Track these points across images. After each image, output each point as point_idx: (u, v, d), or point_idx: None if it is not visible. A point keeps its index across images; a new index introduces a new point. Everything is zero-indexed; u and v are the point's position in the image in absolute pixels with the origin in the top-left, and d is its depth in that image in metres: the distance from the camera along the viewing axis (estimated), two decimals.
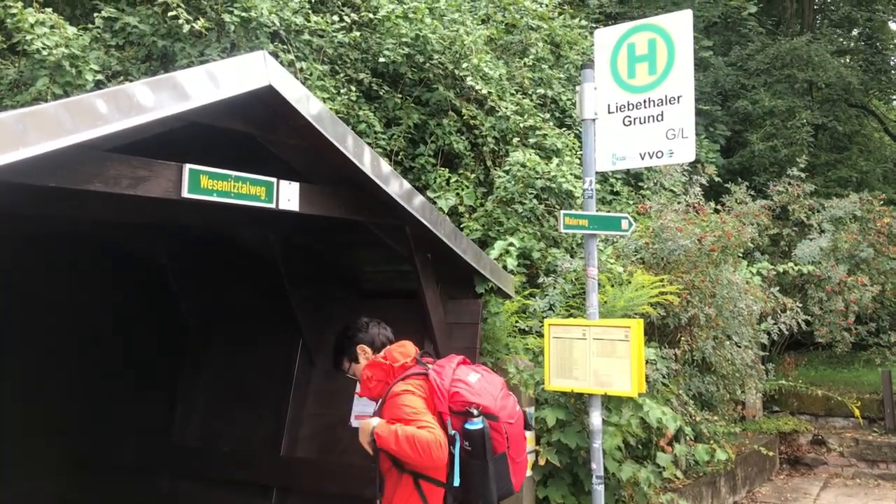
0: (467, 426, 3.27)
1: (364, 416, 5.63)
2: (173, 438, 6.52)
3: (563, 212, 5.09)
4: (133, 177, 3.28)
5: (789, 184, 10.99)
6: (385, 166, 4.36)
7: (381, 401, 3.43)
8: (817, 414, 10.84)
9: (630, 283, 6.30)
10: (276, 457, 5.83)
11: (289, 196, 3.95)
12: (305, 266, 5.95)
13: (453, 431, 3.30)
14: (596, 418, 5.04)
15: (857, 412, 9.80)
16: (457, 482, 3.27)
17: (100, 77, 6.09)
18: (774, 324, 8.59)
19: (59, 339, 6.70)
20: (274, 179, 3.84)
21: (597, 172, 5.25)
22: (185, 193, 3.46)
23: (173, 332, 6.74)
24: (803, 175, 10.87)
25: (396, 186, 4.42)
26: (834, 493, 9.26)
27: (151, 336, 6.81)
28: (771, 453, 9.55)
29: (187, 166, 3.44)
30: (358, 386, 5.69)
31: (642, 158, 5.13)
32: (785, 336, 9.56)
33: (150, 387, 6.74)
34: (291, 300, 5.91)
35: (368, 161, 4.19)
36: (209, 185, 3.56)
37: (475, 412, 3.28)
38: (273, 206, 3.84)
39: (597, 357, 5.05)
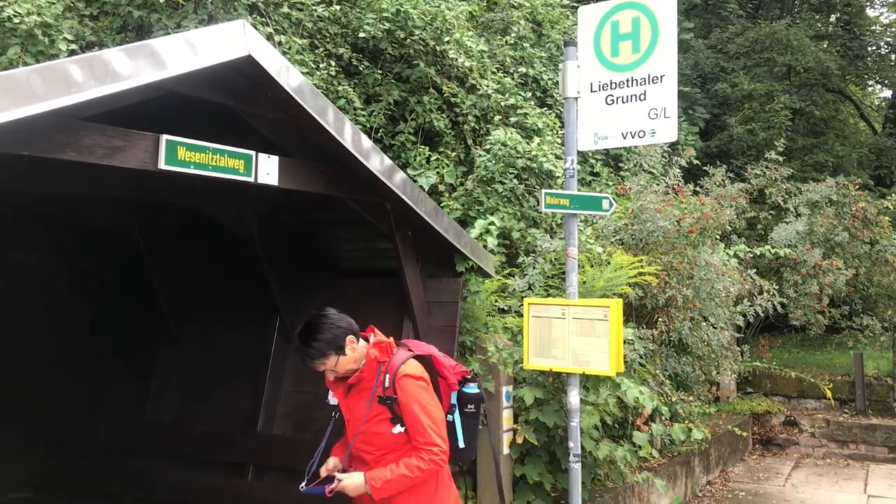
0: (466, 390, 3.64)
1: None
2: (147, 418, 6.44)
3: (544, 191, 5.06)
4: (108, 146, 3.20)
5: (767, 167, 11.05)
6: (366, 141, 4.30)
7: (382, 381, 3.47)
8: (790, 395, 11.00)
9: (609, 263, 6.31)
10: (253, 435, 5.78)
11: (268, 170, 3.88)
12: (283, 244, 5.88)
13: (454, 402, 3.62)
14: (574, 397, 5.05)
15: (829, 394, 9.95)
16: (462, 444, 3.60)
17: (73, 47, 5.93)
18: (750, 306, 8.67)
19: (30, 318, 6.56)
20: (253, 152, 3.76)
21: (578, 152, 5.22)
22: (162, 165, 3.38)
23: (148, 311, 6.64)
24: (781, 159, 10.94)
25: (377, 162, 4.36)
26: (805, 473, 9.40)
27: (126, 315, 6.70)
28: (744, 434, 9.67)
29: (164, 137, 3.36)
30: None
31: (624, 138, 5.11)
32: (759, 318, 9.66)
33: (123, 366, 6.64)
34: (269, 279, 5.84)
35: (349, 136, 4.13)
36: (186, 156, 3.48)
37: (470, 377, 3.68)
38: (251, 179, 3.77)
39: (576, 336, 5.05)
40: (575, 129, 5.17)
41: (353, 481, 3.37)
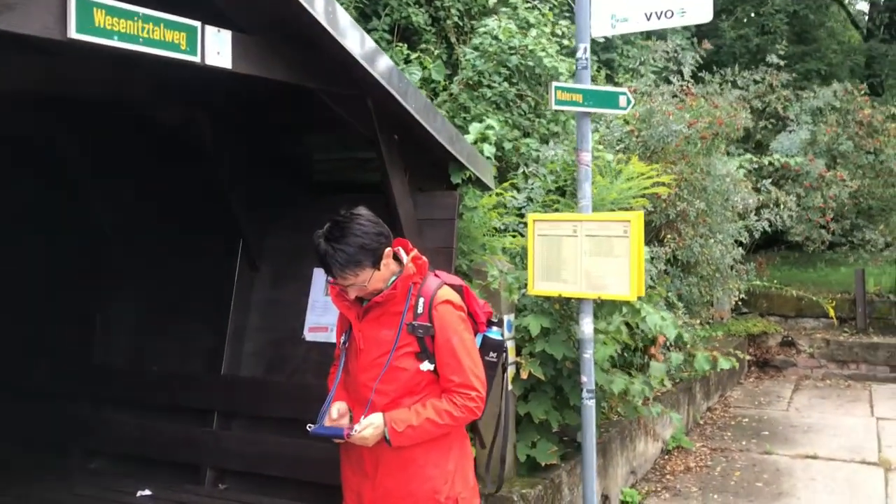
0: (491, 335, 3.03)
1: (321, 329, 4.83)
2: (94, 359, 5.60)
3: (555, 84, 4.24)
4: None
5: (767, 73, 10.23)
6: (343, 16, 3.40)
7: (414, 306, 2.82)
8: (787, 315, 10.57)
9: (621, 173, 5.52)
10: (217, 377, 5.01)
11: (218, 48, 2.99)
12: (244, 154, 4.99)
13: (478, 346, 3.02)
14: (587, 325, 4.40)
15: (831, 311, 9.45)
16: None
17: None
18: (758, 220, 8.00)
19: None
20: (198, 23, 2.87)
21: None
22: (73, 33, 2.47)
23: (88, 236, 5.73)
24: (782, 63, 10.09)
25: (356, 42, 3.47)
26: (807, 396, 8.97)
27: (62, 242, 5.78)
28: (744, 356, 9.20)
29: None
30: (315, 294, 4.91)
31: (648, 19, 4.35)
32: (761, 234, 9.04)
33: (64, 302, 5.77)
34: (229, 196, 4.97)
35: (322, 6, 3.23)
36: (107, 23, 2.58)
37: (495, 320, 3.08)
38: (197, 59, 2.88)
39: (589, 256, 4.35)
40: (588, 12, 4.37)
41: (372, 426, 2.69)
